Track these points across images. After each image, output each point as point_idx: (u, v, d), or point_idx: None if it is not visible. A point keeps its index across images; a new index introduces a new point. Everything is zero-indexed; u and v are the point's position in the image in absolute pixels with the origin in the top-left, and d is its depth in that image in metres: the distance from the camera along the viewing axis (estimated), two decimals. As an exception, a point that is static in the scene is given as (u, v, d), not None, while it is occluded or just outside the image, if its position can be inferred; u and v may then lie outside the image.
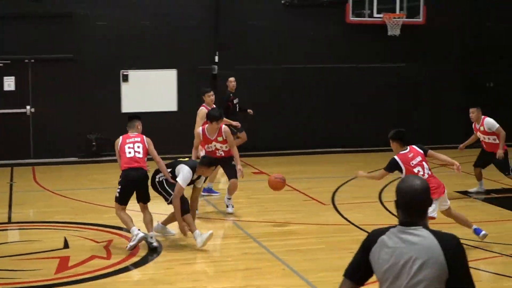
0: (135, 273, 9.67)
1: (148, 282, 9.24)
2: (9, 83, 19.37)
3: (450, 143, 18.53)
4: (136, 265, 9.93)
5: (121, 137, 11.00)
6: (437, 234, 4.18)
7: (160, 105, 20.06)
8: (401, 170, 9.91)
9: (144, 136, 10.98)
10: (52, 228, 12.02)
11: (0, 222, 12.55)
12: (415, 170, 9.74)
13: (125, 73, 19.90)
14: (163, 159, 11.00)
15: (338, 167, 18.08)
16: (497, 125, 13.98)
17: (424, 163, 9.94)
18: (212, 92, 14.48)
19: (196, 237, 10.42)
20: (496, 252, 10.35)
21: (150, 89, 20.03)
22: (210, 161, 10.92)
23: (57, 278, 9.16)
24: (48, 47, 19.33)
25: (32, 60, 19.24)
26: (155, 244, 10.46)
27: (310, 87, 21.08)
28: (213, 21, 20.23)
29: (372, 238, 4.32)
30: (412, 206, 4.22)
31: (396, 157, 9.94)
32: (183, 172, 10.49)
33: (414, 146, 10.10)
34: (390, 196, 13.80)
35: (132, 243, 10.39)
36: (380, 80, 21.51)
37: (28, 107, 19.32)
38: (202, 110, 13.93)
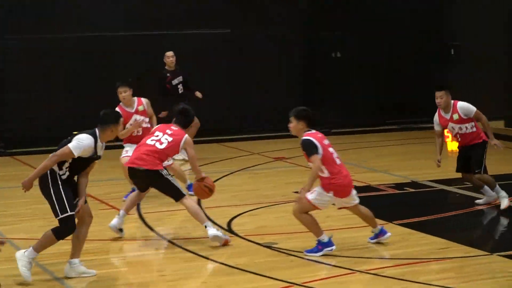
0: None
1: None
2: None
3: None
4: None
5: None
6: None
7: None
8: (317, 151, 8.59)
9: None
10: None
11: None
12: (330, 150, 8.78)
13: None
14: None
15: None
16: (475, 108, 10.81)
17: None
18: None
19: None
20: (346, 268, 8.37)
21: None
22: None
23: None
24: None
25: None
26: None
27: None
28: None
29: None
30: None
31: (309, 137, 8.71)
32: None
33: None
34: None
35: None
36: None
37: None
38: None
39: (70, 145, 7.70)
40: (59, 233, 7.86)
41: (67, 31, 16.59)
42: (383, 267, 8.22)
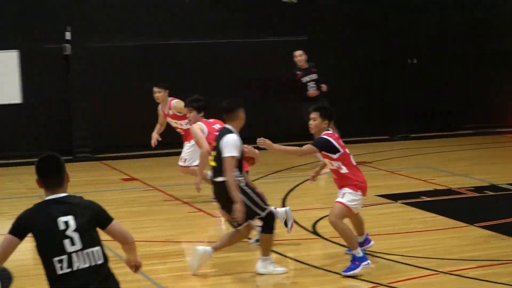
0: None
1: None
2: None
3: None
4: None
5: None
6: None
7: None
8: (335, 151, 8.42)
9: None
10: None
11: None
12: (347, 151, 8.59)
13: None
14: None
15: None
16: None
17: None
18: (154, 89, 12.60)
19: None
20: (430, 269, 8.46)
21: None
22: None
23: None
24: None
25: None
26: None
27: (187, 67, 17.34)
28: None
29: None
30: None
31: (327, 136, 8.51)
32: None
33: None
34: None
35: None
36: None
37: None
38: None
39: (227, 153, 8.08)
40: (271, 228, 8.35)
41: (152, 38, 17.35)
42: (466, 269, 8.37)
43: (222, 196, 8.29)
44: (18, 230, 5.15)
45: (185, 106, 10.70)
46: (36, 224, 5.14)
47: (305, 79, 15.15)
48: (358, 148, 16.80)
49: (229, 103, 8.45)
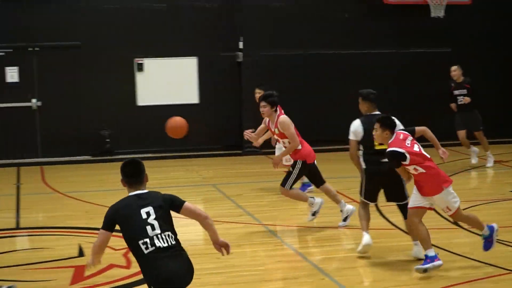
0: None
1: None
2: (12, 74, 17.80)
3: None
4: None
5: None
6: None
7: (179, 97, 18.15)
8: (405, 158, 8.41)
9: None
10: (64, 234, 11.09)
11: (8, 228, 11.58)
12: (415, 148, 8.49)
13: (139, 62, 18.06)
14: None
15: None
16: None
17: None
18: (257, 90, 13.53)
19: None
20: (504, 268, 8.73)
21: (168, 80, 18.03)
22: None
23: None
24: (53, 34, 17.68)
25: (37, 49, 17.57)
26: None
27: (345, 75, 18.66)
28: (235, 1, 18.31)
29: None
30: None
31: (392, 148, 8.48)
32: None
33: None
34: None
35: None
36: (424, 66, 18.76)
37: (33, 100, 17.80)
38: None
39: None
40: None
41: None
42: None
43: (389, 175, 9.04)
44: (108, 225, 6.35)
45: (260, 100, 10.96)
46: (123, 215, 6.28)
47: (456, 92, 15.90)
48: (499, 148, 17.71)
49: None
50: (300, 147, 10.86)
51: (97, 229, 10.62)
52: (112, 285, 8.47)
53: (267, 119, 11.04)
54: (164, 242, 6.21)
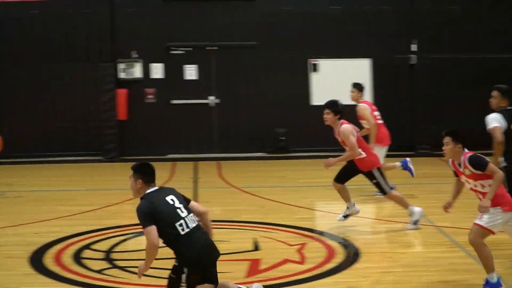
0: (330, 281, 8.71)
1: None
2: (191, 72, 18.40)
3: None
4: (333, 271, 9.02)
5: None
6: None
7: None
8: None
9: None
10: (240, 228, 11.45)
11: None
12: None
13: (314, 63, 18.34)
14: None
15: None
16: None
17: None
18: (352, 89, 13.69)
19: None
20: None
21: (341, 80, 17.77)
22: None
23: (248, 282, 8.29)
24: (231, 33, 18.27)
25: (215, 48, 18.19)
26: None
27: None
28: (408, 4, 18.29)
29: None
30: None
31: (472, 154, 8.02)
32: None
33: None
34: None
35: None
36: None
37: (211, 97, 18.34)
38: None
39: None
40: None
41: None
42: None
43: None
44: (151, 219, 6.94)
45: (324, 107, 10.79)
46: (155, 207, 6.99)
47: None
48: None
49: None
50: (364, 154, 10.89)
51: (273, 224, 11.37)
52: (287, 279, 8.72)
53: None
54: (193, 222, 7.14)
